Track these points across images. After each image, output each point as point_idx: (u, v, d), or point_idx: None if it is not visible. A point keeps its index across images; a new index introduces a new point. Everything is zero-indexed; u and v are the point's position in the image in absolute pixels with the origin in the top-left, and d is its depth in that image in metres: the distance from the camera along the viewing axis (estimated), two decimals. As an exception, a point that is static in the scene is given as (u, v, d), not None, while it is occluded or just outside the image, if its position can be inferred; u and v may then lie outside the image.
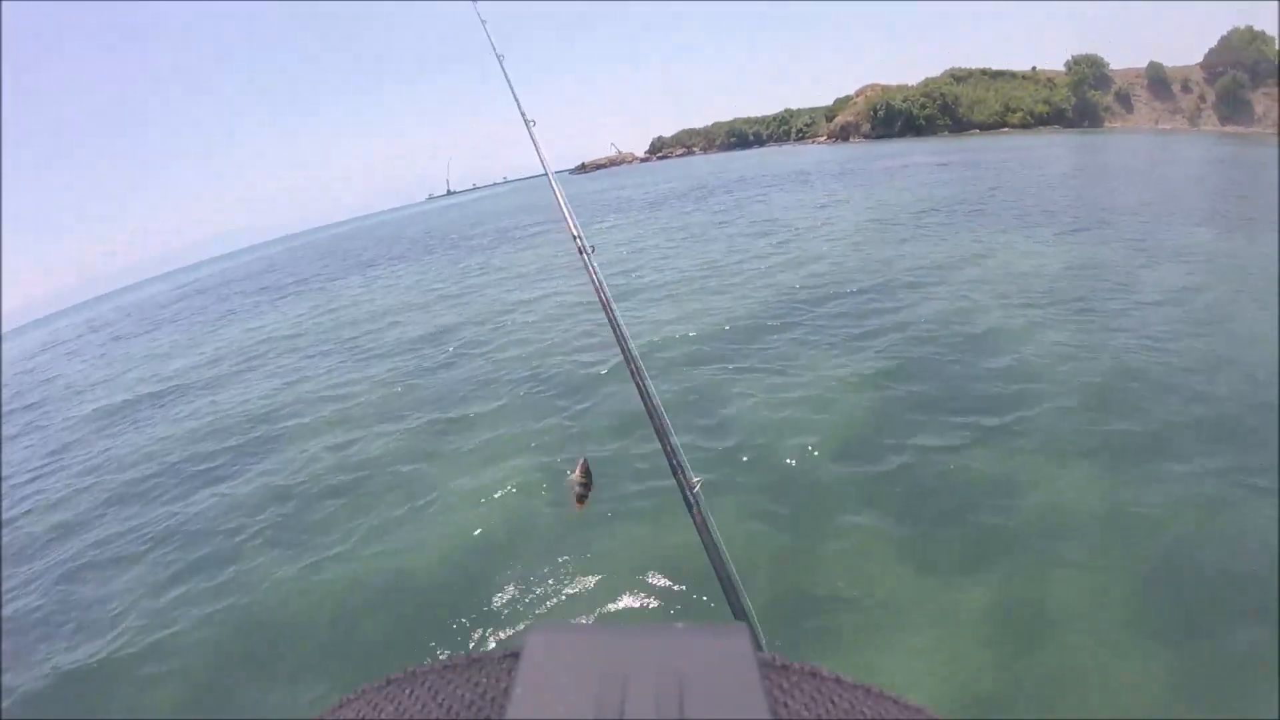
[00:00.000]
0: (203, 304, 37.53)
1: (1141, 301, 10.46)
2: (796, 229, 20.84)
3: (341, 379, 12.56)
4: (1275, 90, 68.20)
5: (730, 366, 9.48)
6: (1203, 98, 73.82)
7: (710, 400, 8.38)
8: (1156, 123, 74.99)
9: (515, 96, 3.22)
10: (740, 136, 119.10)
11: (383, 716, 0.30)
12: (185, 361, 18.95)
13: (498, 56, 3.34)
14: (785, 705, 0.28)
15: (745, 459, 6.93)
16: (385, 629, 5.30)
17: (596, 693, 0.25)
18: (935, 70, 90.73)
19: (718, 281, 15.00)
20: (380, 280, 27.17)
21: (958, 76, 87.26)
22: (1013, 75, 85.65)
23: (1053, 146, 51.95)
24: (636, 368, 1.97)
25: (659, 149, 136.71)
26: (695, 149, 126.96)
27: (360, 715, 0.31)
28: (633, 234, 25.69)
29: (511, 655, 0.30)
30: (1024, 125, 77.90)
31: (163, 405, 14.26)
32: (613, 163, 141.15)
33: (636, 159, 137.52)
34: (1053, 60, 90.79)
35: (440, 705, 0.29)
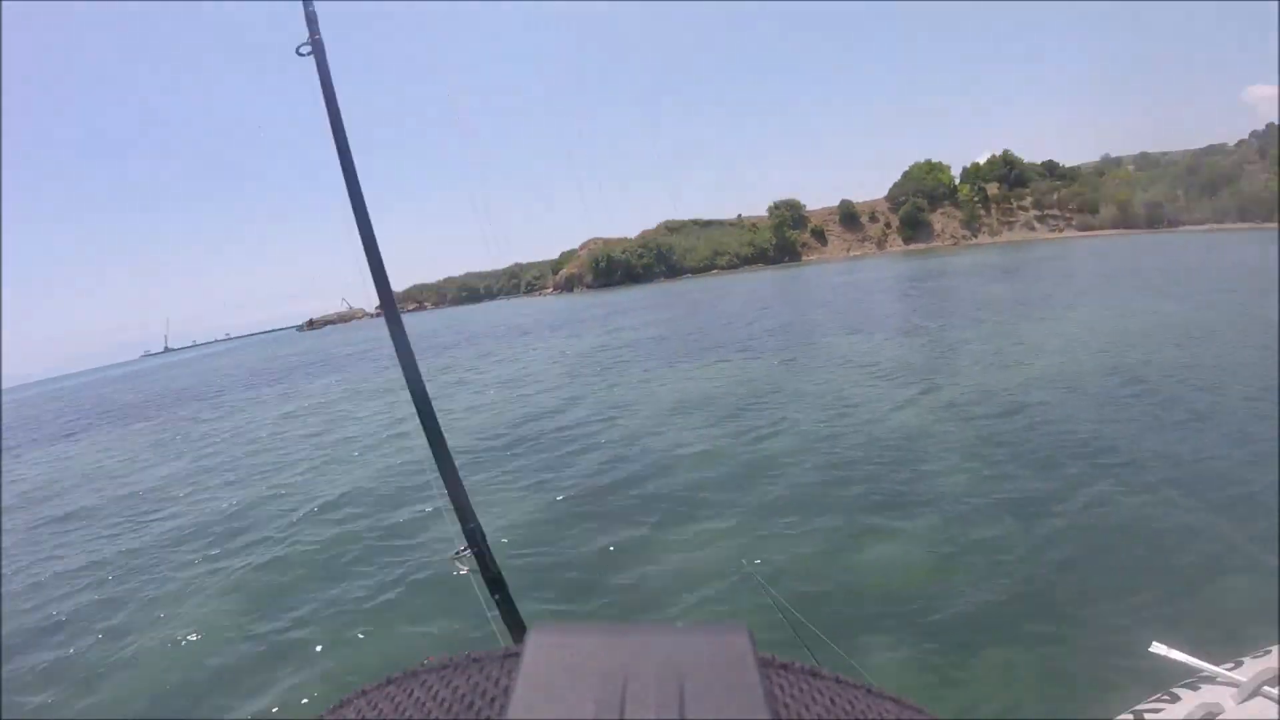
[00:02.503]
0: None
1: (791, 405, 14.36)
2: (505, 380, 23.28)
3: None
4: (949, 209, 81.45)
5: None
6: (888, 224, 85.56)
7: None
8: (849, 251, 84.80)
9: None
10: (472, 291, 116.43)
11: (383, 716, 0.29)
12: None
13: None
14: (785, 705, 0.27)
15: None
16: None
17: (596, 692, 0.24)
18: (652, 223, 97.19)
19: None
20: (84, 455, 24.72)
21: (671, 228, 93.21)
22: (721, 223, 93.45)
23: (753, 283, 58.91)
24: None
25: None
26: (427, 304, 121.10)
27: (360, 715, 0.30)
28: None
29: (512, 655, 0.30)
30: (731, 266, 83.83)
31: None
32: (343, 319, 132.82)
33: (368, 314, 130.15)
34: (757, 207, 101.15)
35: (440, 705, 0.28)
